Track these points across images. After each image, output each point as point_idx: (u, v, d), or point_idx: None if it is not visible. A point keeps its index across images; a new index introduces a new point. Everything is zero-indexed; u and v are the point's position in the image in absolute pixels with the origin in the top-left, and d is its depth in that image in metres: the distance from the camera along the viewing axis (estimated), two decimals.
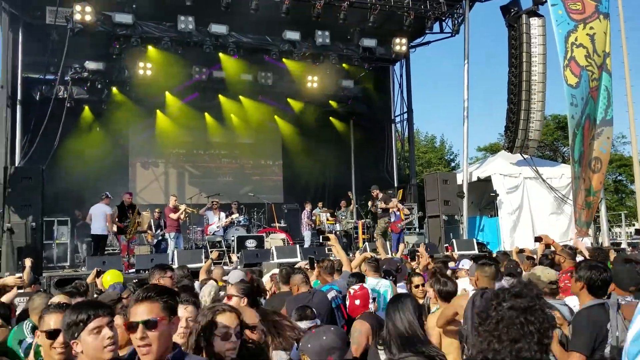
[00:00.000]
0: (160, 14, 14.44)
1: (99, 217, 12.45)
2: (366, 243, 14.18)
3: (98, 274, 6.71)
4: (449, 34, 17.36)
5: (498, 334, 1.79)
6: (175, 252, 11.90)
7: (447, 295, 4.35)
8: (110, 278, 6.26)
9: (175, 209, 13.09)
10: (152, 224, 14.28)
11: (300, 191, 19.61)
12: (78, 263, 14.47)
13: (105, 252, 13.79)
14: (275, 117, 20.19)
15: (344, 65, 17.57)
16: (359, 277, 5.38)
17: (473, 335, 2.07)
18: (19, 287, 5.54)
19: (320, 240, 12.84)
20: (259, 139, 20.85)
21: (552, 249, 6.96)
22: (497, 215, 15.83)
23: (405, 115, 19.86)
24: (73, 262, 14.81)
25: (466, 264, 7.09)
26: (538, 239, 7.60)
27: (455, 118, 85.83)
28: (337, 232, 15.77)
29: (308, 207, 15.98)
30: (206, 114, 19.18)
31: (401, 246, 10.96)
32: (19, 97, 15.23)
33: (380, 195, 14.08)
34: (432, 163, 37.60)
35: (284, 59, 16.46)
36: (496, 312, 1.83)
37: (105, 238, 12.91)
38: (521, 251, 8.62)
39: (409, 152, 19.86)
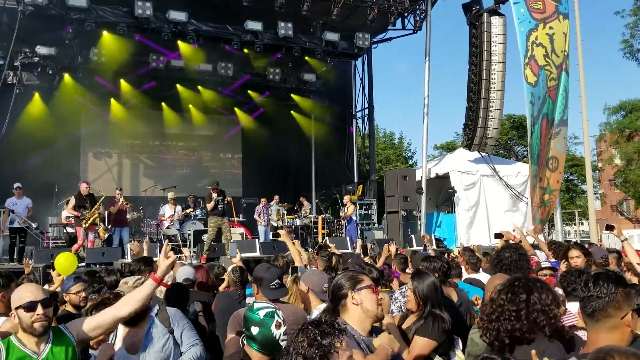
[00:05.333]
0: None
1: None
2: (326, 238, 14.07)
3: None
4: (411, 31, 17.43)
5: None
6: (128, 246, 11.51)
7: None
8: (64, 260, 5.78)
9: (115, 203, 12.90)
10: (106, 218, 13.79)
11: (260, 185, 19.34)
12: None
13: (54, 245, 13.34)
14: (236, 109, 19.82)
15: (306, 58, 17.37)
16: None
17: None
18: None
19: (271, 237, 12.74)
20: (218, 131, 20.47)
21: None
22: (454, 212, 15.96)
23: (366, 111, 19.87)
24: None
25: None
26: (499, 235, 7.64)
27: (412, 116, 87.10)
28: (295, 227, 15.65)
29: (263, 202, 15.68)
30: (163, 103, 18.67)
31: (358, 242, 10.87)
32: None
33: (214, 194, 12.01)
34: (391, 160, 37.91)
35: (245, 50, 16.11)
36: None
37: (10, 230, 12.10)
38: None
39: (369, 148, 19.86)
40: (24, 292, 2.84)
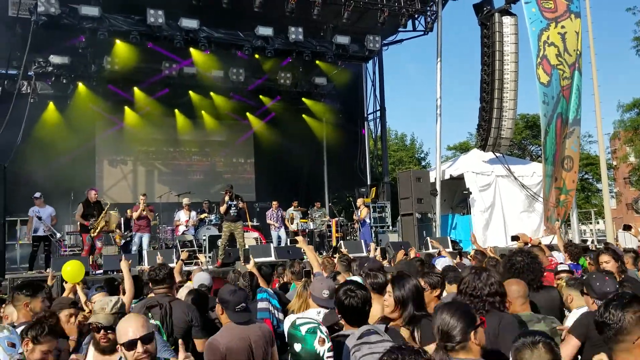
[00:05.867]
0: (129, 6, 14.00)
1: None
2: (340, 241, 14.06)
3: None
4: (422, 32, 17.38)
5: None
6: (145, 252, 11.61)
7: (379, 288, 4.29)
8: (70, 269, 5.87)
9: (137, 208, 13.02)
10: (122, 224, 13.88)
11: (273, 189, 19.36)
12: (42, 264, 13.96)
13: (71, 253, 13.45)
14: (248, 114, 19.89)
15: (317, 62, 17.39)
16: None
17: None
18: None
19: (289, 243, 12.73)
20: (231, 137, 20.55)
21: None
22: (470, 213, 15.85)
23: (378, 114, 19.84)
24: (38, 263, 14.28)
25: (441, 262, 7.02)
26: (515, 238, 7.59)
27: (424, 117, 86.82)
28: (309, 231, 15.65)
29: (274, 205, 15.66)
30: (176, 110, 18.79)
31: (372, 245, 10.84)
32: None
33: (227, 197, 11.95)
34: (404, 161, 37.81)
35: (256, 55, 16.15)
36: None
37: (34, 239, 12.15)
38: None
39: (381, 150, 19.81)
40: (126, 328, 2.80)
